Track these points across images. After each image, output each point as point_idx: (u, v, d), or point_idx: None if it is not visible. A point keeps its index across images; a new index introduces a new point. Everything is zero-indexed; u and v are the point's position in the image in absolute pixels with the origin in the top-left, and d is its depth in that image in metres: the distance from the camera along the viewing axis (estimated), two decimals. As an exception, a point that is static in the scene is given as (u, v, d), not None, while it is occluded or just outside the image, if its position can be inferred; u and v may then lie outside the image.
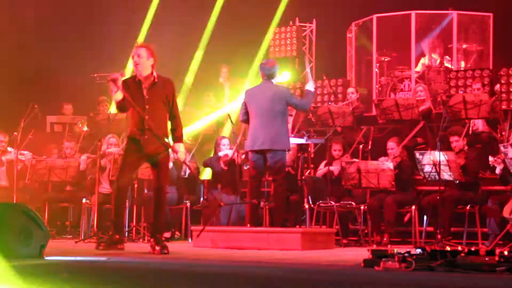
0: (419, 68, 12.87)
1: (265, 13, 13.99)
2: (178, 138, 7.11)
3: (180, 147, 7.10)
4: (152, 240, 7.12)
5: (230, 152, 10.07)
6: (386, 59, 13.35)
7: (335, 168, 9.40)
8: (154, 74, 7.02)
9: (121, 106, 7.03)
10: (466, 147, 9.01)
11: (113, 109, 10.95)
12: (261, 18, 13.94)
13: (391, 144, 9.34)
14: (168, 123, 7.13)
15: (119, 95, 6.90)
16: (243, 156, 9.79)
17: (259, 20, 13.90)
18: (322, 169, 9.72)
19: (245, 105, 8.49)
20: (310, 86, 8.59)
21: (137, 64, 6.98)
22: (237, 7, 13.79)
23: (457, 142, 8.92)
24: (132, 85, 7.00)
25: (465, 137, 9.12)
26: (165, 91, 7.03)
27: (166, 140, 7.02)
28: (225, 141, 10.23)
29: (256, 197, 8.43)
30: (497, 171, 8.50)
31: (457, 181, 8.53)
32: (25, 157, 10.46)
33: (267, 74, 8.38)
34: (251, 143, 8.29)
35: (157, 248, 6.92)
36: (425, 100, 10.46)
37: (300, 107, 8.72)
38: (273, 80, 8.41)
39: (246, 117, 8.50)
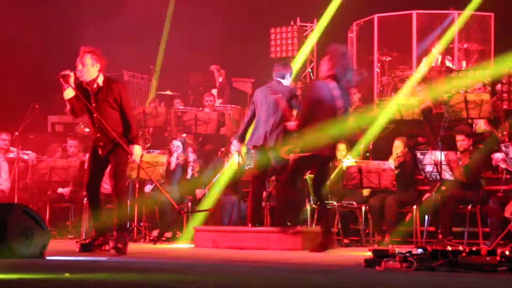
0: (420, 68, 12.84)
1: (262, 14, 14.01)
2: (131, 140, 6.92)
3: (135, 149, 6.92)
4: (115, 236, 6.96)
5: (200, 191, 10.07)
6: (387, 59, 13.35)
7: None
8: (99, 80, 6.87)
9: (73, 108, 6.89)
10: (471, 148, 8.99)
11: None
12: (258, 18, 13.96)
13: (397, 143, 9.34)
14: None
15: (70, 92, 6.79)
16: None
17: (256, 21, 13.92)
18: None
19: (252, 104, 8.49)
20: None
21: (81, 72, 6.84)
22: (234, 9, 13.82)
23: (463, 141, 8.90)
24: (81, 94, 6.85)
25: (471, 137, 9.09)
26: (112, 95, 6.86)
27: (119, 142, 6.81)
28: (235, 142, 10.24)
29: (258, 198, 8.40)
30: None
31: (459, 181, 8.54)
32: (28, 156, 10.45)
33: (277, 73, 8.41)
34: (252, 138, 8.30)
35: (113, 245, 6.83)
36: (424, 99, 10.45)
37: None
38: (283, 81, 8.41)
39: (250, 115, 8.48)
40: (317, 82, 7.40)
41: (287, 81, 8.44)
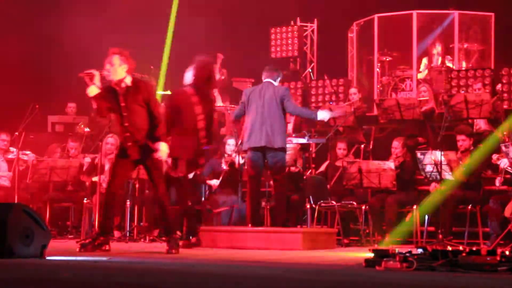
0: (422, 68, 12.84)
1: (262, 14, 14.01)
2: (158, 138, 7.01)
3: (161, 145, 7.00)
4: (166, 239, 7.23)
5: (215, 182, 10.04)
6: (387, 59, 13.35)
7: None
8: (127, 80, 6.99)
9: (99, 107, 7.01)
10: (472, 147, 8.99)
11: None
12: (258, 18, 13.96)
13: (395, 144, 9.35)
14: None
15: (93, 90, 6.93)
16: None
17: (256, 21, 13.92)
18: (321, 171, 9.77)
19: (243, 105, 8.52)
20: (322, 114, 8.60)
21: (108, 72, 6.97)
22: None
23: (464, 141, 8.90)
24: (109, 94, 7.00)
25: (472, 137, 9.08)
26: (140, 95, 6.98)
27: (148, 142, 6.97)
28: (231, 141, 10.22)
29: (256, 197, 8.42)
30: (497, 182, 8.47)
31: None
32: (28, 157, 10.45)
33: (268, 75, 8.45)
34: (248, 140, 8.32)
35: (166, 247, 7.06)
36: (428, 100, 10.45)
37: (290, 111, 8.61)
38: (274, 82, 8.45)
39: (239, 115, 8.57)
40: (175, 91, 7.83)
41: (276, 83, 8.51)
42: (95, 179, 9.64)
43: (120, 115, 6.99)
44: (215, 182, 9.95)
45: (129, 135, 6.97)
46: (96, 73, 6.94)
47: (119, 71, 6.96)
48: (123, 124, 6.98)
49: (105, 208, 7.14)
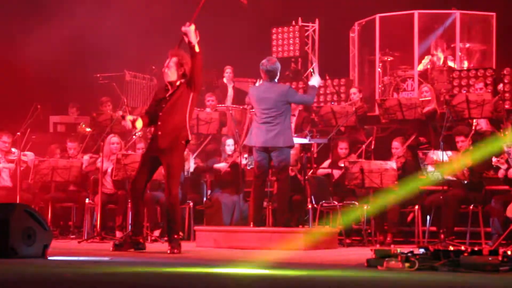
0: (420, 67, 12.84)
1: (269, 13, 14.00)
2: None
3: None
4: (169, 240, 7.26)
5: (224, 165, 10.02)
6: (389, 59, 13.35)
7: (336, 172, 9.40)
8: (180, 80, 7.19)
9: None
10: (471, 148, 8.98)
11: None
12: (264, 17, 13.95)
13: (395, 144, 9.33)
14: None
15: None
16: (246, 157, 9.79)
17: (258, 21, 13.91)
18: (323, 167, 9.73)
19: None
20: (314, 81, 8.49)
21: (165, 72, 7.24)
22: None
23: (463, 142, 8.89)
24: (161, 89, 7.35)
25: (471, 138, 9.07)
26: (184, 95, 7.16)
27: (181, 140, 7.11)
28: (229, 141, 10.21)
29: (260, 197, 8.38)
30: (500, 174, 8.48)
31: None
32: (27, 158, 10.45)
33: (268, 73, 8.30)
34: (254, 139, 8.24)
35: (168, 247, 7.10)
36: (430, 101, 10.43)
37: (303, 102, 8.67)
38: (275, 79, 8.33)
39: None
40: None
41: (277, 79, 8.35)
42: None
43: (160, 108, 7.19)
44: (223, 166, 9.94)
45: (160, 124, 7.13)
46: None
47: (174, 71, 7.20)
48: (158, 113, 7.16)
49: (132, 207, 7.37)
